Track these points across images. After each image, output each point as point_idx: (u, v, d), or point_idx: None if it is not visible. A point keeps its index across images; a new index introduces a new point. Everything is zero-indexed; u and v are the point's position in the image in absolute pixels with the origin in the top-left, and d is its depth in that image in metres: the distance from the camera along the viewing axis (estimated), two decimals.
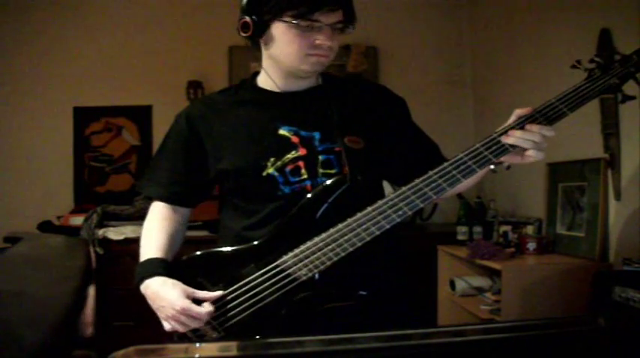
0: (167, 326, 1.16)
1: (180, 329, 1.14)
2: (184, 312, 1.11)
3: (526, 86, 2.81)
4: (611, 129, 2.12)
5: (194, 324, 1.13)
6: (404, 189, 1.07)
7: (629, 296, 1.65)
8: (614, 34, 2.07)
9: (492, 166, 1.08)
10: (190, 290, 1.14)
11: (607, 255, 2.15)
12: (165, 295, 1.13)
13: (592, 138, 2.22)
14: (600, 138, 2.18)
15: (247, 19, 1.16)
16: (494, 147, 1.07)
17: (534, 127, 1.05)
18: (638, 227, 1.99)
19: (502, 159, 1.08)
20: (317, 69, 1.19)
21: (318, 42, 1.14)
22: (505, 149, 1.06)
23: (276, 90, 1.25)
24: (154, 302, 1.16)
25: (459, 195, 2.80)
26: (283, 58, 1.18)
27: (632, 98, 1.10)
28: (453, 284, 2.75)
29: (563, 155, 2.40)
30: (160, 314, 1.16)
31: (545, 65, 2.59)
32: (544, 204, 2.57)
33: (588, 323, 0.78)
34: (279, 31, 1.15)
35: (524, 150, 1.06)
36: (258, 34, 1.18)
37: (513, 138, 1.06)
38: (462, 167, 1.06)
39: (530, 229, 2.56)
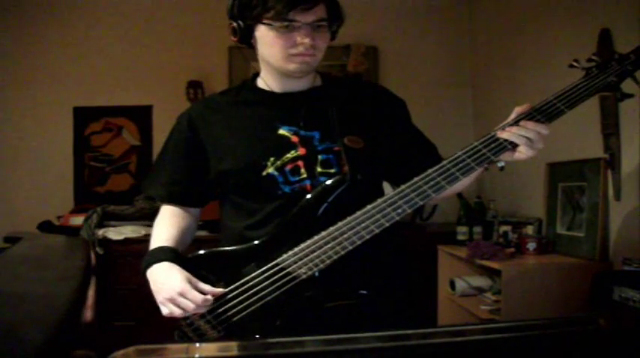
0: (165, 310, 1.15)
1: (177, 312, 1.13)
2: (182, 294, 1.11)
3: (526, 86, 2.81)
4: (611, 129, 2.11)
5: (189, 308, 1.12)
6: (403, 187, 1.08)
7: (629, 296, 1.65)
8: (614, 34, 2.07)
9: (485, 164, 1.08)
10: (194, 279, 1.15)
11: (607, 254, 2.15)
12: (168, 277, 1.14)
13: (592, 138, 2.22)
14: (600, 138, 2.18)
15: (234, 24, 1.19)
16: (492, 145, 1.07)
17: (529, 124, 1.06)
18: (638, 227, 1.99)
19: (500, 157, 1.08)
20: (304, 68, 1.19)
21: (297, 41, 1.14)
22: (504, 147, 1.07)
23: (275, 90, 1.26)
24: (155, 284, 1.16)
25: (459, 195, 2.80)
26: (270, 59, 1.20)
27: (631, 96, 1.11)
28: (453, 284, 2.75)
29: (563, 155, 2.40)
30: (158, 297, 1.16)
31: (546, 65, 2.58)
32: (544, 204, 2.56)
33: (588, 323, 0.78)
34: (261, 33, 1.17)
35: (517, 146, 1.07)
36: (245, 38, 1.21)
37: (507, 133, 1.07)
38: (461, 165, 1.07)
39: (530, 229, 2.56)
